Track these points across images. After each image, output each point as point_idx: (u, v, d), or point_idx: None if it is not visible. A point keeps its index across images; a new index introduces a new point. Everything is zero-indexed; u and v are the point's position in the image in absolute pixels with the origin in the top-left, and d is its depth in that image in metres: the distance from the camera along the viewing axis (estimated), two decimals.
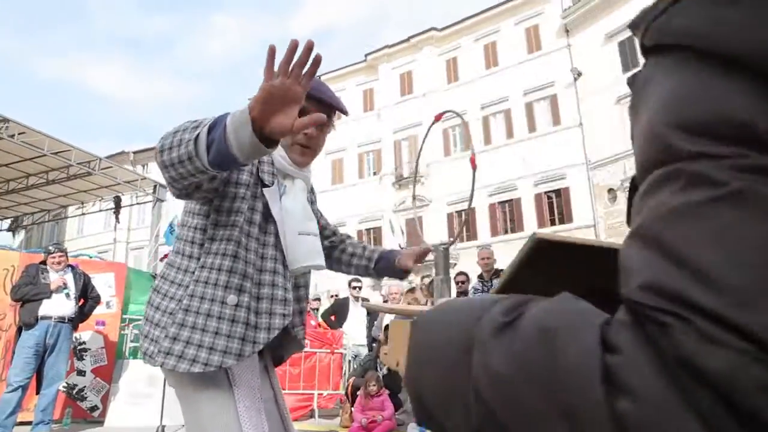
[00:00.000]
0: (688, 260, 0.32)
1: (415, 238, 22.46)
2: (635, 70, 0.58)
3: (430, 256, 1.68)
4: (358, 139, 26.78)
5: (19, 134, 10.24)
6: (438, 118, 0.94)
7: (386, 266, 1.78)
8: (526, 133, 23.13)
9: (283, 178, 1.53)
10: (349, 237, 1.88)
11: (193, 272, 1.37)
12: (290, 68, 1.07)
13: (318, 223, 1.66)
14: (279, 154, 1.51)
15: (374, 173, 26.97)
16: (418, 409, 0.51)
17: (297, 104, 1.11)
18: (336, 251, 1.83)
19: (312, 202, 1.69)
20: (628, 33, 20.69)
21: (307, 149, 1.52)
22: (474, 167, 0.83)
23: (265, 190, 1.45)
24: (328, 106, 1.49)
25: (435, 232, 21.84)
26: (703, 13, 0.37)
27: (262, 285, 1.40)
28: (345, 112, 1.57)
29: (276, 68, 1.08)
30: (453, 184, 22.63)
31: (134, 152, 30.71)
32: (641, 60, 0.45)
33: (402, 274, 1.76)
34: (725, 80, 0.35)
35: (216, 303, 1.33)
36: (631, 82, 0.50)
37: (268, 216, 1.44)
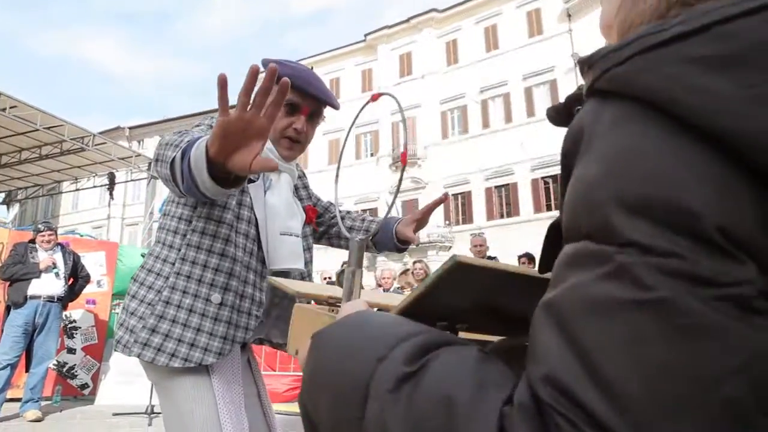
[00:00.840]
0: (595, 365, 0.31)
1: None
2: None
3: (428, 235, 1.60)
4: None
5: (10, 108, 10.12)
6: (375, 98, 0.91)
7: (384, 239, 1.61)
8: (524, 118, 23.01)
9: (270, 171, 1.48)
10: (348, 212, 1.78)
11: (173, 263, 1.34)
12: (251, 99, 0.95)
13: (311, 212, 1.60)
14: (267, 146, 1.46)
15: (371, 154, 26.85)
16: (308, 428, 0.50)
17: (261, 139, 0.99)
18: (335, 228, 1.75)
19: (304, 186, 1.65)
20: None
21: (296, 144, 1.45)
22: (404, 163, 0.82)
23: (249, 185, 1.40)
24: (319, 101, 1.44)
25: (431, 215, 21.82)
26: (682, 74, 0.32)
27: (248, 283, 1.37)
28: (336, 107, 1.52)
29: (239, 98, 0.93)
30: (450, 167, 22.56)
31: (130, 128, 30.48)
32: None
33: (400, 246, 1.61)
34: (691, 157, 0.31)
35: (200, 299, 1.30)
36: (564, 111, 0.44)
37: (252, 211, 1.40)
